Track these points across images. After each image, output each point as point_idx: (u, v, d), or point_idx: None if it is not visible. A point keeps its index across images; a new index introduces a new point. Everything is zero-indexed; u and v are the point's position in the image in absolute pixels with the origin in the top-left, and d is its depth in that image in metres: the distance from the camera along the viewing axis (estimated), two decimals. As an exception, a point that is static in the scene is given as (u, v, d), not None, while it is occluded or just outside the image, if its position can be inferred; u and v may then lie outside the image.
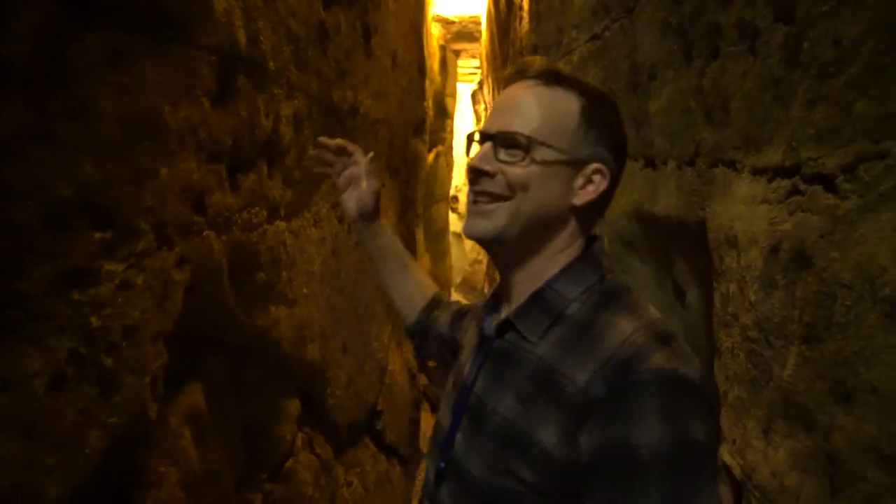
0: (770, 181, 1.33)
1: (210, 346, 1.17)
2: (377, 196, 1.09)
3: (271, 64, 1.23)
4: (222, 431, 1.19)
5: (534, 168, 0.79)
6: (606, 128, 0.83)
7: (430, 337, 1.10)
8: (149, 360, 0.83)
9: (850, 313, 1.00)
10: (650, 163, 2.19)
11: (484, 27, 8.75)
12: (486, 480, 0.74)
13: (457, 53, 11.24)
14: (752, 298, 1.38)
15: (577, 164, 0.82)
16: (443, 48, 9.89)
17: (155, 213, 0.83)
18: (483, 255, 11.12)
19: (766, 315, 1.32)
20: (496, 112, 0.84)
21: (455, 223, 12.15)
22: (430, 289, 1.15)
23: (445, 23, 9.53)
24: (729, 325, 1.48)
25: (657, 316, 0.80)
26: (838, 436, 1.02)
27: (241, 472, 1.31)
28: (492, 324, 0.88)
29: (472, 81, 11.77)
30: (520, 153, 0.79)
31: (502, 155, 0.80)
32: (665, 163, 2.08)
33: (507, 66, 5.90)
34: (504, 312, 0.86)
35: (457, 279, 11.97)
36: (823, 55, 1.08)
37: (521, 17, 4.94)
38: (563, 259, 0.84)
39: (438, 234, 9.67)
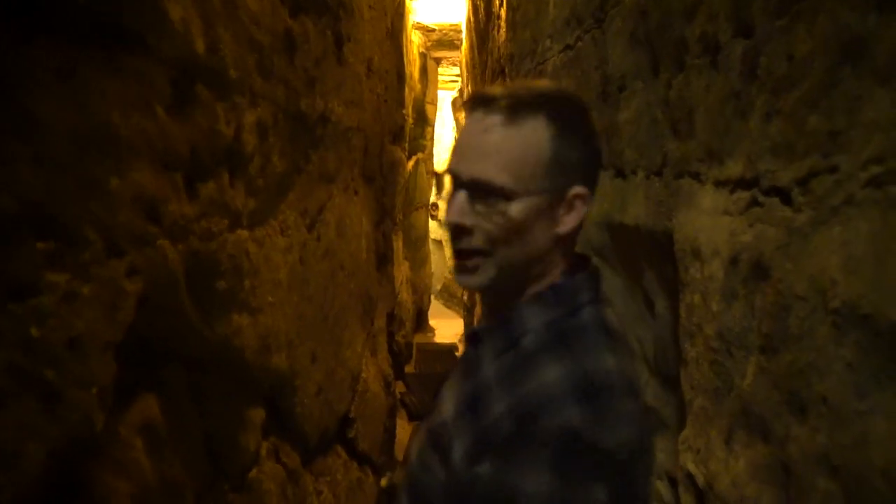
0: (731, 193, 1.35)
1: (167, 356, 1.16)
2: None
3: (232, 72, 1.22)
4: (181, 442, 1.17)
5: (515, 217, 0.76)
6: (581, 145, 0.81)
7: None
8: (96, 372, 0.81)
9: (804, 325, 1.01)
10: (620, 173, 2.21)
11: (464, 35, 8.79)
12: (415, 472, 0.80)
13: (437, 61, 11.28)
14: (715, 309, 1.39)
15: (558, 196, 0.79)
16: (423, 56, 9.91)
17: (103, 223, 0.82)
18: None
19: (727, 326, 1.33)
20: (464, 152, 0.79)
21: (435, 230, 12.14)
22: None
23: (426, 30, 9.56)
24: (693, 335, 1.49)
25: (606, 367, 0.77)
26: (793, 447, 1.03)
27: (202, 483, 1.29)
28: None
29: (453, 89, 11.80)
30: (498, 202, 0.75)
31: (479, 207, 0.77)
32: (634, 173, 2.10)
33: (485, 74, 5.93)
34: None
35: (437, 286, 11.95)
36: (778, 70, 1.10)
37: (499, 26, 4.97)
38: (544, 284, 0.83)
39: (418, 241, 9.66)
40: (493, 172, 0.74)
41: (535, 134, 0.76)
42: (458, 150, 0.80)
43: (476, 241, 0.77)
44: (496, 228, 0.75)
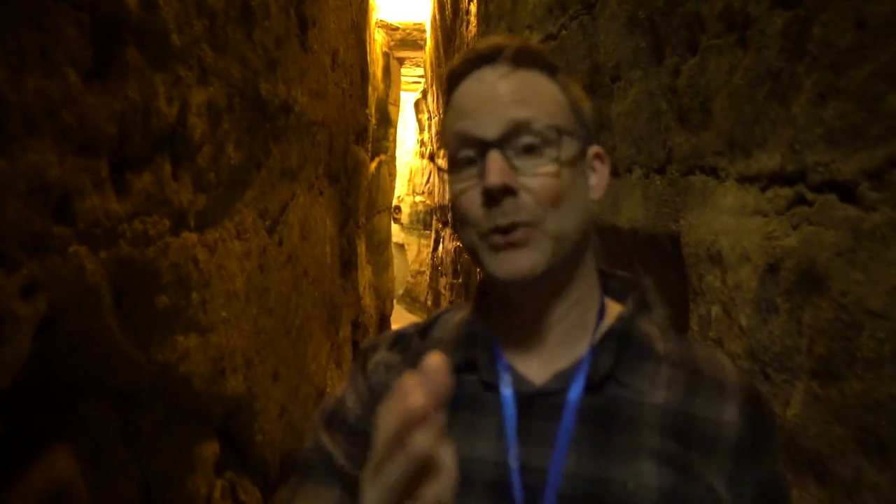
0: (764, 190, 1.19)
1: (87, 393, 0.91)
2: None
3: (175, 37, 0.99)
4: (108, 499, 0.93)
5: (564, 172, 0.63)
6: (584, 102, 0.71)
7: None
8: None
9: (884, 348, 0.83)
10: (612, 171, 2.04)
11: (429, 34, 8.65)
12: None
13: (400, 61, 11.11)
14: (744, 323, 1.23)
15: (583, 152, 0.68)
16: (386, 55, 9.73)
17: (-20, 222, 0.59)
18: (426, 267, 10.99)
19: (762, 343, 1.16)
20: (483, 108, 0.64)
21: (397, 234, 11.97)
22: None
23: (389, 29, 9.39)
24: (711, 351, 1.31)
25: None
26: (868, 495, 0.85)
27: (138, 542, 1.05)
28: (530, 379, 0.64)
29: (415, 90, 11.64)
30: (549, 153, 0.63)
31: (517, 162, 0.63)
32: (630, 171, 1.95)
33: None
34: (535, 359, 0.66)
35: (399, 290, 11.78)
36: (841, 41, 0.92)
37: (468, 21, 4.82)
38: (594, 278, 0.70)
39: (381, 245, 9.48)
40: (531, 111, 0.63)
41: (547, 81, 0.68)
42: (473, 111, 0.65)
43: (523, 207, 0.62)
44: (547, 190, 0.62)
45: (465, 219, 0.64)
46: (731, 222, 1.25)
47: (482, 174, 0.62)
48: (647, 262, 1.84)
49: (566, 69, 0.73)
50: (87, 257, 0.78)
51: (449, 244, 6.03)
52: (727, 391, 0.64)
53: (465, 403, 0.63)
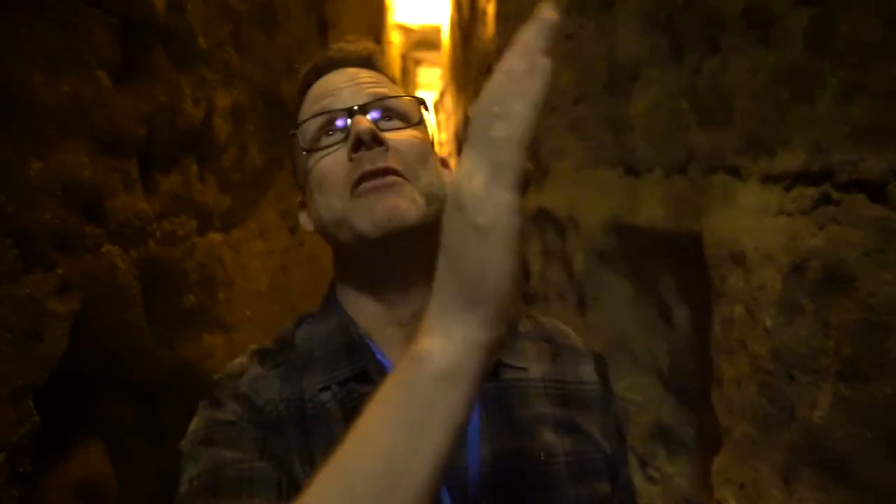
0: (788, 189, 1.17)
1: (115, 388, 0.93)
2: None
3: (202, 40, 1.00)
4: (134, 493, 0.95)
5: (424, 138, 0.65)
6: None
7: None
8: (3, 429, 0.59)
9: (915, 350, 0.82)
10: (631, 170, 2.04)
11: (446, 35, 8.64)
12: None
13: (417, 62, 11.12)
14: (768, 324, 1.22)
15: (433, 144, 0.69)
16: (403, 57, 9.75)
17: (17, 222, 0.60)
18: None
19: (786, 344, 1.14)
20: (346, 88, 0.65)
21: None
22: None
23: (406, 31, 9.40)
24: (733, 352, 1.32)
25: None
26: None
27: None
28: None
29: (432, 90, 11.66)
30: (404, 126, 0.64)
31: (383, 125, 0.63)
32: (650, 170, 1.94)
33: (469, 72, 5.77)
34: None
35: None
36: (868, 37, 0.91)
37: (486, 22, 4.81)
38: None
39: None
40: (389, 92, 0.65)
41: (393, 82, 0.70)
42: (335, 90, 0.65)
43: (392, 158, 0.61)
44: (412, 145, 0.63)
45: (325, 182, 0.61)
46: (754, 222, 1.24)
47: (347, 135, 0.61)
48: (666, 263, 1.83)
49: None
50: (119, 256, 0.79)
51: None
52: (582, 355, 0.71)
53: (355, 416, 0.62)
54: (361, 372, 0.61)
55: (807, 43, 1.05)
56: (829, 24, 0.98)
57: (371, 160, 0.59)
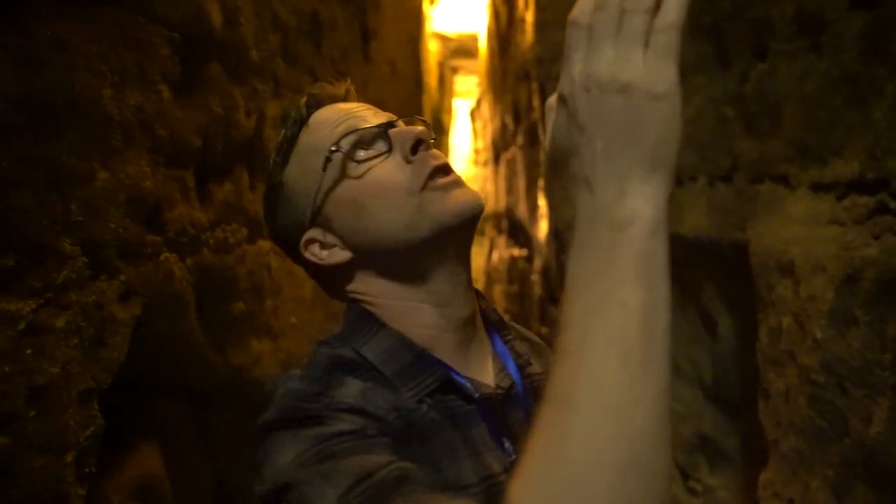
0: (840, 198, 1.15)
1: (168, 392, 0.95)
2: None
3: (254, 52, 1.03)
4: (186, 495, 0.97)
5: None
6: None
7: None
8: (72, 430, 0.61)
9: None
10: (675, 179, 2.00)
11: (483, 44, 8.66)
12: None
13: (454, 70, 11.17)
14: (818, 336, 1.19)
15: None
16: (440, 65, 9.80)
17: (86, 231, 0.63)
18: (479, 274, 11.00)
19: (839, 356, 1.11)
20: (360, 111, 0.67)
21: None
22: None
23: (443, 39, 9.46)
24: (781, 363, 1.29)
25: None
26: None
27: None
28: (484, 381, 0.65)
29: (469, 97, 11.69)
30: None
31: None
32: (694, 178, 1.92)
33: (506, 80, 5.77)
34: (471, 360, 0.66)
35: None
36: (928, 43, 0.89)
37: (524, 30, 4.81)
38: None
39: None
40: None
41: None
42: (353, 112, 0.66)
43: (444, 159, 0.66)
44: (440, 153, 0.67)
45: (386, 188, 0.62)
46: (804, 231, 1.22)
47: (391, 144, 0.62)
48: (710, 272, 1.80)
49: None
50: (176, 264, 0.82)
51: (504, 251, 6.01)
52: (548, 351, 0.74)
53: (455, 423, 0.61)
54: (445, 381, 0.61)
55: (861, 49, 1.02)
56: (886, 29, 0.96)
57: (434, 157, 0.62)
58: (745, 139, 1.51)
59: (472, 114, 11.08)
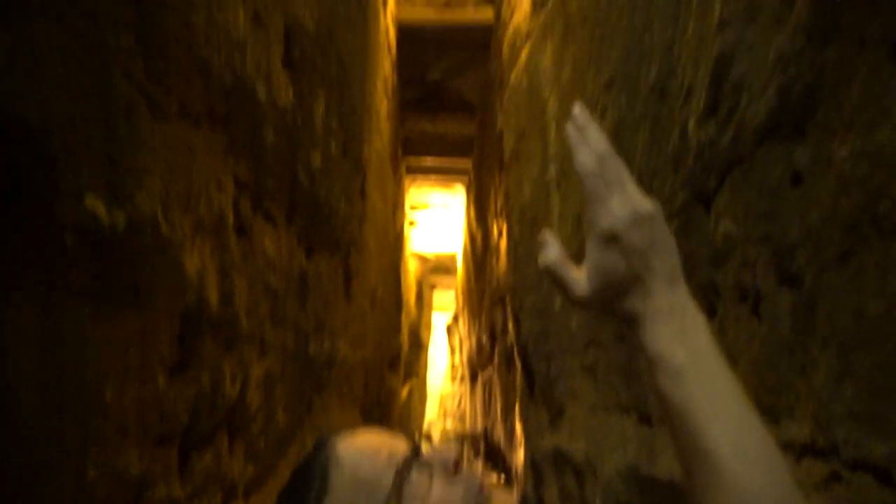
0: (798, 460, 1.17)
1: None
2: None
3: (244, 322, 1.12)
4: None
5: None
6: None
7: None
8: None
9: None
10: (644, 419, 2.04)
11: (460, 264, 9.10)
12: None
13: (432, 287, 11.57)
14: None
15: None
16: (419, 283, 10.18)
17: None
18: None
19: None
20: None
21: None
22: None
23: (422, 259, 9.94)
24: None
25: None
26: None
27: None
28: None
29: (446, 311, 11.96)
30: None
31: None
32: (663, 420, 1.93)
33: (483, 301, 5.98)
34: None
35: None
36: (844, 327, 0.99)
37: (499, 257, 5.09)
38: None
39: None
40: None
41: None
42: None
43: None
44: None
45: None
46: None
47: (431, 472, 0.61)
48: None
49: None
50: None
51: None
52: None
53: None
54: None
55: (793, 322, 1.12)
56: (810, 308, 1.06)
57: (472, 475, 0.64)
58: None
59: (449, 329, 11.26)
